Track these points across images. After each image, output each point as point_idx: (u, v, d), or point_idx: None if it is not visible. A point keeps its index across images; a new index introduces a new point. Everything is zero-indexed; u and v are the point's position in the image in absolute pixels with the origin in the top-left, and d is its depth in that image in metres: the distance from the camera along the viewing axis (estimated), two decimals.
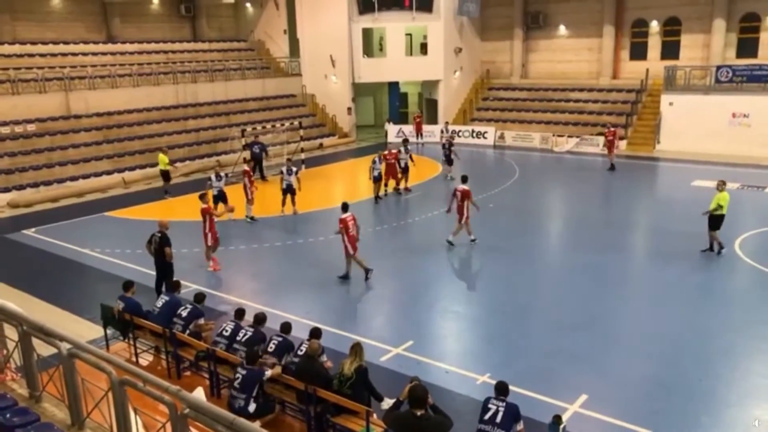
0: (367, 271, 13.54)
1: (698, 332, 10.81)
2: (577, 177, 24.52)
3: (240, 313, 9.49)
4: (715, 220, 14.28)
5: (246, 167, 18.95)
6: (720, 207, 14.14)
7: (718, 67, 27.20)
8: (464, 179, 15.87)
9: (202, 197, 14.59)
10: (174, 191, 22.62)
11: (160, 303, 10.05)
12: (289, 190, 18.48)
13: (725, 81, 26.81)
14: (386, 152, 21.11)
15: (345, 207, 13.48)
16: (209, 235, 14.20)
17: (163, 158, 22.01)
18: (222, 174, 18.50)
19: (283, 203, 18.80)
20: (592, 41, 32.60)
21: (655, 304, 12.10)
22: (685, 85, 28.00)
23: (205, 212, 14.11)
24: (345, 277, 13.63)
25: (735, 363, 9.78)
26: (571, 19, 33.22)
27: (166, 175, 22.18)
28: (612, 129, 25.21)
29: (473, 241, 15.66)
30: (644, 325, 11.28)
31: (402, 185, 21.64)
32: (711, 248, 14.56)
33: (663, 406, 8.61)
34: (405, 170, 21.52)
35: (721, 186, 14.44)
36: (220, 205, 18.17)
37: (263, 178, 24.03)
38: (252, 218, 18.46)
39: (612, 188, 23.11)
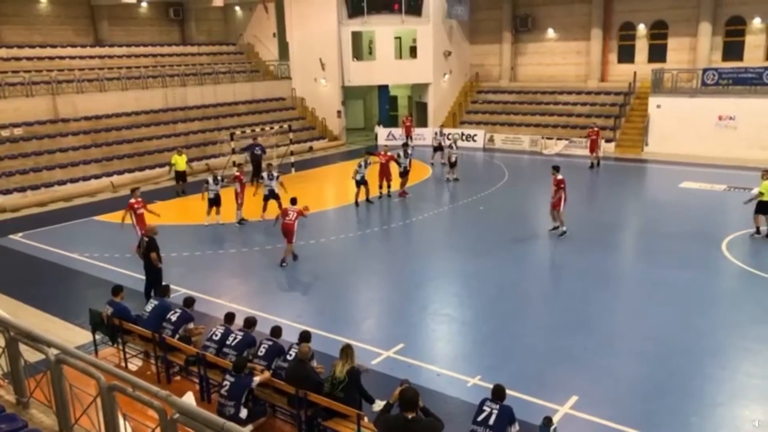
0: (284, 260, 14.82)
1: (687, 332, 10.88)
2: (566, 179, 24.57)
3: (230, 317, 9.45)
4: (762, 206, 15.72)
5: (236, 172, 18.82)
6: (762, 194, 15.66)
7: (705, 70, 27.45)
8: (557, 169, 16.75)
9: (133, 192, 15.76)
10: (164, 195, 22.57)
11: (149, 308, 9.99)
12: (271, 195, 18.25)
13: (711, 84, 27.05)
14: (380, 152, 21.04)
15: (293, 201, 15.31)
16: (137, 228, 15.05)
17: (179, 159, 22.18)
18: (219, 178, 18.45)
19: (264, 208, 18.50)
20: (580, 44, 32.80)
21: (643, 305, 12.17)
22: (672, 88, 28.24)
23: (129, 207, 15.22)
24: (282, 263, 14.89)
25: (724, 363, 9.85)
26: (559, 23, 33.42)
27: (182, 176, 22.29)
28: (596, 129, 26.00)
29: (564, 232, 16.37)
30: (633, 326, 11.34)
31: (391, 188, 21.52)
32: (757, 232, 15.86)
33: (653, 406, 8.66)
34: (404, 173, 21.29)
35: (766, 175, 15.78)
36: (213, 211, 18.13)
37: (262, 179, 24.12)
38: (242, 222, 18.42)
39: (601, 190, 23.26)
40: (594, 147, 25.64)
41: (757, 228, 15.93)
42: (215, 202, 18.12)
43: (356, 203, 20.33)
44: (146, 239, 12.19)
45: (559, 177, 16.48)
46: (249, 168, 23.63)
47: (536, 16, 33.88)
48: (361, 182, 20.10)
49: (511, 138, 31.21)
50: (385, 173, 20.92)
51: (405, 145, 22.65)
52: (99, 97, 27.27)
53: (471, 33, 36.23)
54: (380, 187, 21.07)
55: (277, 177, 18.55)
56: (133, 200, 15.27)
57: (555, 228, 16.63)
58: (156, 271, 12.23)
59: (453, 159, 23.41)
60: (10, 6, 28.51)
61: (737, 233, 16.28)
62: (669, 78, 28.37)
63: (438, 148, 26.71)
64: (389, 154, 21.14)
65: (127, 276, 13.77)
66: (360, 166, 20.10)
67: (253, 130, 27.22)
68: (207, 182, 18.27)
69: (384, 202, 20.96)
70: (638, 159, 27.58)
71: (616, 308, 12.27)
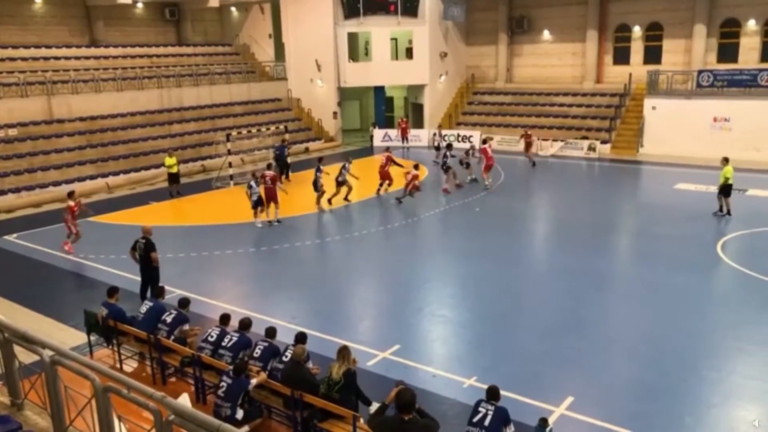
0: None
1: (682, 334, 10.91)
2: (562, 180, 24.73)
3: (225, 318, 9.44)
4: (726, 189, 17.63)
5: (269, 171, 18.53)
6: (727, 179, 17.50)
7: (700, 72, 27.55)
8: (484, 141, 21.96)
9: (71, 195, 16.33)
10: (157, 196, 22.56)
11: (144, 309, 9.98)
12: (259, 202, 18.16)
13: (706, 85, 27.15)
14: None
15: (416, 166, 20.49)
16: (73, 228, 15.94)
17: (170, 161, 22.08)
18: (259, 179, 18.20)
19: (256, 214, 18.31)
20: (575, 46, 32.88)
21: (639, 307, 12.21)
22: (668, 90, 28.33)
23: (69, 210, 15.96)
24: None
25: (718, 364, 9.89)
26: (555, 24, 33.50)
27: (173, 178, 22.22)
28: (529, 132, 27.84)
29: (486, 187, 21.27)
30: (629, 328, 11.38)
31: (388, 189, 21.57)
32: (720, 210, 17.87)
33: (647, 407, 8.68)
34: (341, 184, 20.33)
35: (724, 162, 17.62)
36: (268, 208, 18.08)
37: (288, 178, 24.54)
38: (279, 221, 18.35)
39: (596, 191, 23.32)
40: (528, 148, 27.25)
41: (720, 207, 17.87)
42: (260, 203, 17.99)
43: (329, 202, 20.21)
44: (143, 240, 12.15)
45: (482, 146, 21.85)
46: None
47: (532, 17, 33.95)
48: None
49: (506, 139, 31.26)
50: (385, 174, 21.25)
51: (347, 158, 21.82)
52: (94, 97, 27.20)
53: (467, 34, 36.28)
54: (380, 186, 21.49)
55: (257, 183, 18.20)
56: (72, 203, 15.94)
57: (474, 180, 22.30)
58: (153, 273, 12.19)
59: (446, 162, 22.37)
60: (4, 6, 28.41)
61: (732, 234, 16.35)
62: (664, 80, 28.46)
63: (438, 148, 27.44)
64: (388, 154, 21.61)
65: (122, 277, 13.74)
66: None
67: (249, 131, 27.21)
68: (251, 186, 17.96)
69: (379, 203, 20.97)
70: (633, 160, 27.65)
71: (611, 310, 12.30)
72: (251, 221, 18.32)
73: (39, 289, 13.66)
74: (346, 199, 20.72)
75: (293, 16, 33.46)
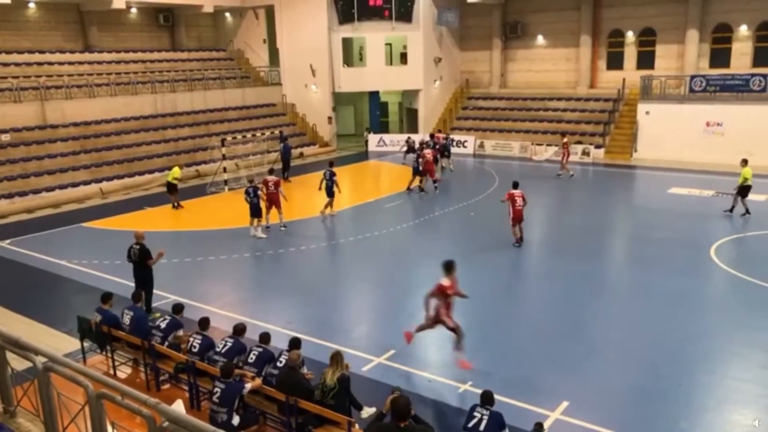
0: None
1: (677, 338, 10.93)
2: (556, 185, 24.76)
3: (204, 322, 9.28)
4: (744, 190, 18.08)
5: (272, 177, 18.37)
6: (746, 179, 17.98)
7: (692, 77, 27.72)
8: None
9: (449, 268, 10.17)
10: (153, 201, 22.49)
11: (127, 320, 9.76)
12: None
13: (699, 90, 27.32)
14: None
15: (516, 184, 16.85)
16: (448, 320, 9.97)
17: (175, 171, 21.60)
18: (261, 185, 17.80)
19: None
20: (569, 51, 33.03)
21: (633, 311, 12.23)
22: (661, 95, 28.48)
23: (445, 290, 9.97)
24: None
25: (713, 368, 9.91)
26: (548, 29, 33.64)
27: (172, 188, 21.69)
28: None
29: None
30: (624, 332, 11.39)
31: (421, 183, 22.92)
32: (732, 210, 18.36)
33: (642, 411, 8.69)
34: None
35: (744, 163, 18.26)
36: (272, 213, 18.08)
37: (287, 178, 24.78)
38: (285, 225, 18.35)
39: (591, 196, 23.38)
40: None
41: (732, 207, 18.35)
42: (257, 213, 17.61)
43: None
44: (137, 246, 12.08)
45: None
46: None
47: (526, 22, 34.10)
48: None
49: (501, 144, 31.35)
50: (429, 168, 22.75)
51: (330, 164, 21.24)
52: (88, 103, 27.14)
53: (461, 40, 36.41)
54: (432, 181, 22.91)
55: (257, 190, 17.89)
56: (447, 283, 10.00)
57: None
58: (147, 278, 12.13)
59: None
60: None
61: (726, 239, 16.42)
62: (657, 84, 28.63)
63: (444, 155, 26.73)
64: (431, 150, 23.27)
65: (116, 283, 13.68)
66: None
67: (244, 136, 27.20)
68: (256, 190, 17.57)
69: (373, 209, 20.97)
70: (627, 165, 27.76)
71: (606, 314, 12.31)
72: (247, 227, 18.26)
73: (32, 295, 13.59)
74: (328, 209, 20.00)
75: (288, 21, 33.53)
